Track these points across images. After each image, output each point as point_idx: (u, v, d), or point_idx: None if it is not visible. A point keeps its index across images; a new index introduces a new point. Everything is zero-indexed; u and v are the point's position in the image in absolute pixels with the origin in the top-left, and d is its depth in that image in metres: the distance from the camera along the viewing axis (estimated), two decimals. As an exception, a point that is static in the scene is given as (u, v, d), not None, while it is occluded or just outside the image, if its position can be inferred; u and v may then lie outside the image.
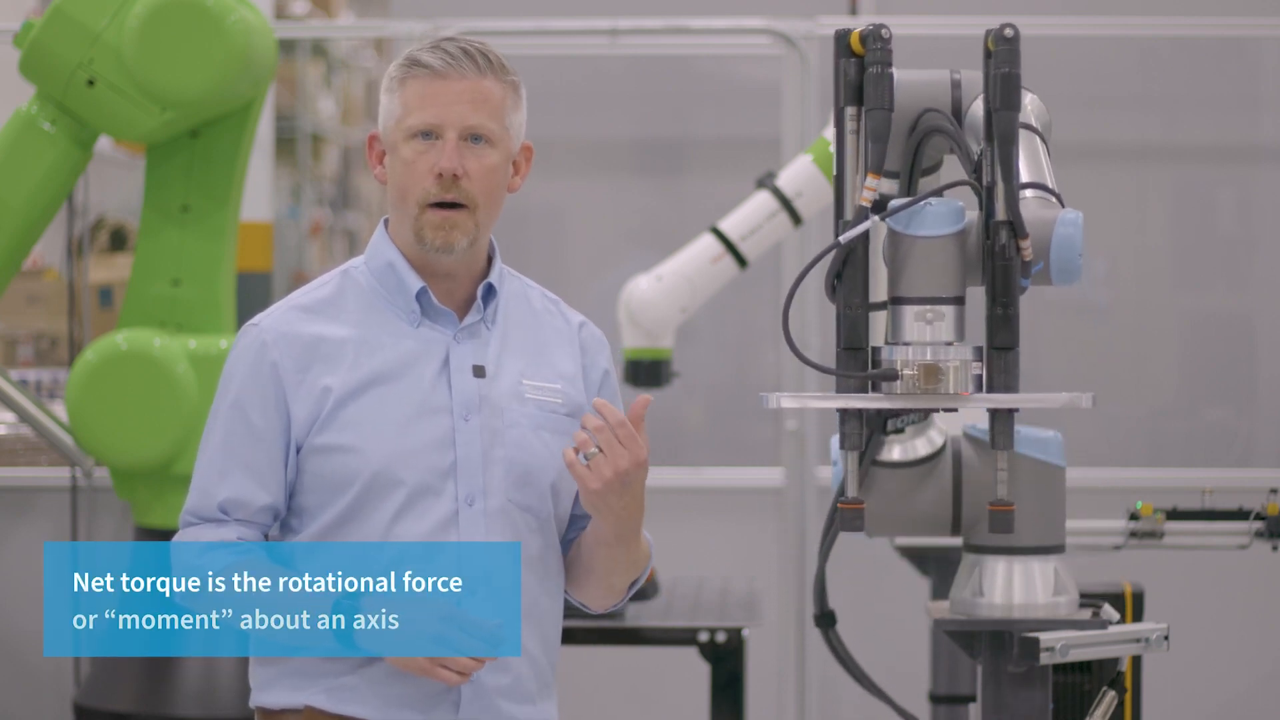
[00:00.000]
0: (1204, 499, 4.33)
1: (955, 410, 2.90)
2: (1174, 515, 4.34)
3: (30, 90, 5.39)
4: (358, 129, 11.24)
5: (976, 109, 3.04)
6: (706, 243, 5.02)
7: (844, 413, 2.91)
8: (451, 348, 3.04)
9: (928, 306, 2.86)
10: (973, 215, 2.92)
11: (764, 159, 6.01)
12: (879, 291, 2.94)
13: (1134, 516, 4.32)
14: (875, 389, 2.87)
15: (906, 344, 2.87)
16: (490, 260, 3.10)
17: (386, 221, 3.11)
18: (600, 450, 2.89)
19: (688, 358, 6.26)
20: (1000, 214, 2.86)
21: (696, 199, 6.82)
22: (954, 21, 6.43)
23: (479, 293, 3.06)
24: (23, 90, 5.42)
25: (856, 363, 2.89)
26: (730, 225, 5.02)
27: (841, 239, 2.87)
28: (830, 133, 5.08)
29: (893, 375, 2.85)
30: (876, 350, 2.90)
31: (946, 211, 2.88)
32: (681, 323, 5.06)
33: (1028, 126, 3.03)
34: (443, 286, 3.06)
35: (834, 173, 2.95)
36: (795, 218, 5.02)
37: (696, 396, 6.95)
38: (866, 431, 3.19)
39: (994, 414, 2.90)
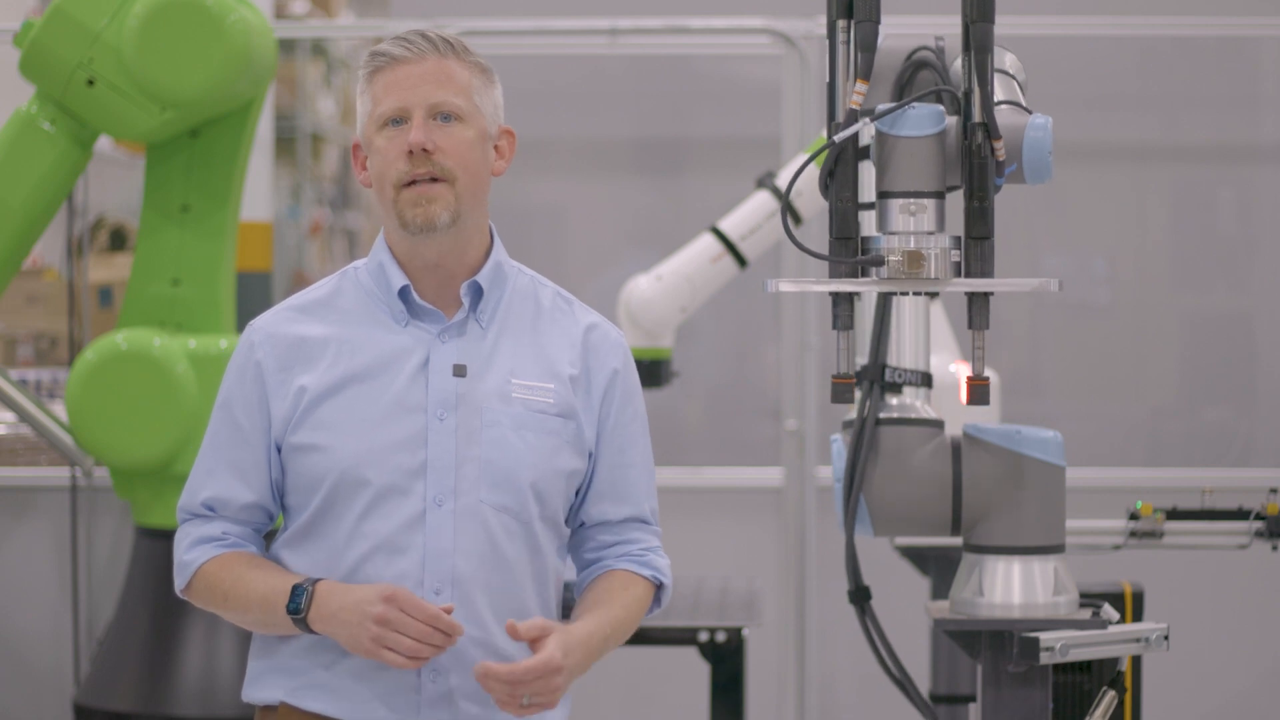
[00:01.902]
0: (1204, 499, 4.33)
1: (936, 295, 3.19)
2: (1174, 515, 4.34)
3: (30, 90, 5.39)
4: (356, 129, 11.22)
5: (956, 67, 3.26)
6: (706, 242, 5.02)
7: (836, 296, 3.12)
8: (433, 346, 3.03)
9: (911, 199, 3.08)
10: (952, 119, 3.14)
11: (764, 159, 6.00)
12: (868, 194, 3.16)
13: (1134, 516, 4.32)
14: (865, 275, 3.09)
15: (893, 233, 3.08)
16: (489, 255, 3.10)
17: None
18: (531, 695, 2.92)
19: (688, 358, 6.25)
20: (976, 117, 3.09)
21: (696, 199, 6.82)
22: (954, 21, 6.41)
23: (463, 291, 3.05)
24: (23, 90, 5.42)
25: (847, 250, 3.11)
26: (730, 225, 5.02)
27: (835, 138, 3.09)
28: (830, 132, 5.10)
29: (880, 261, 3.06)
30: (866, 240, 3.11)
31: (928, 114, 3.10)
32: (681, 323, 5.05)
33: (1004, 72, 3.32)
34: (433, 281, 3.05)
35: (827, 80, 3.17)
36: (795, 217, 5.01)
37: (696, 396, 6.95)
38: (866, 384, 3.47)
39: (971, 297, 3.11)
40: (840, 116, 3.13)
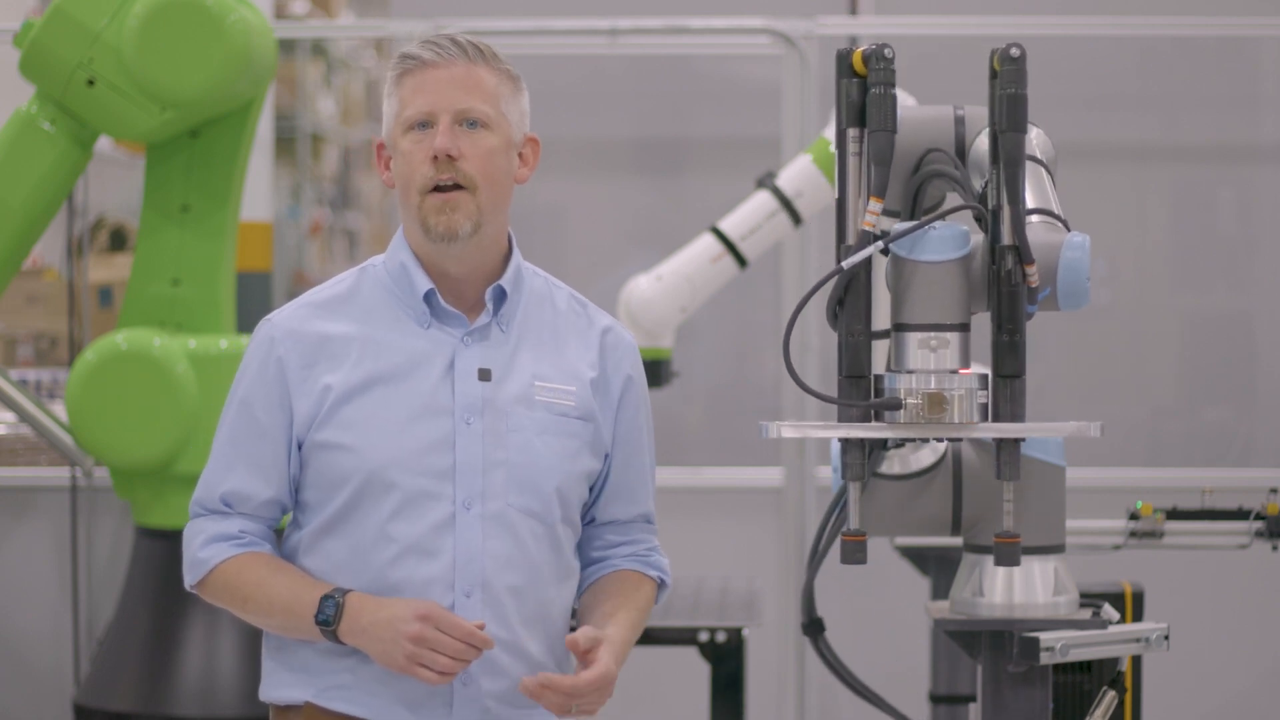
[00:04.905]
0: (1204, 499, 4.33)
1: (960, 440, 2.87)
2: (1174, 515, 4.34)
3: (30, 90, 5.39)
4: (358, 129, 11.24)
5: (980, 144, 3.01)
6: (706, 242, 5.02)
7: (846, 442, 2.85)
8: (458, 350, 3.03)
9: (931, 333, 2.81)
10: (977, 239, 2.87)
11: (764, 159, 6.00)
12: (880, 317, 2.88)
13: (1134, 516, 4.32)
14: (878, 418, 2.82)
15: (910, 372, 2.82)
16: (508, 259, 3.10)
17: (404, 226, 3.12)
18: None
19: (688, 358, 6.26)
20: (1006, 238, 2.81)
21: (696, 199, 6.82)
22: (954, 21, 6.42)
23: (487, 296, 3.06)
24: (23, 90, 5.42)
25: (859, 391, 2.84)
26: (730, 225, 5.02)
27: (845, 264, 2.81)
28: (830, 132, 5.09)
29: (896, 404, 2.81)
30: (879, 378, 2.84)
31: (951, 236, 2.83)
32: (681, 323, 5.05)
33: (1032, 158, 2.99)
34: (455, 284, 3.05)
35: (836, 197, 2.88)
36: (795, 217, 5.02)
37: (696, 396, 6.95)
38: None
39: (1000, 444, 2.86)
40: (851, 238, 2.85)
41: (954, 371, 2.80)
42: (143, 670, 5.45)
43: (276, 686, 3.06)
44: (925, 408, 2.78)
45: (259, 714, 3.17)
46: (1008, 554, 2.89)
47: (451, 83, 3.00)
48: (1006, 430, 2.82)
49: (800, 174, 5.02)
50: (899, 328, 2.83)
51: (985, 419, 2.82)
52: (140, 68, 5.22)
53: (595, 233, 7.02)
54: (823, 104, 6.19)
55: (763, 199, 5.01)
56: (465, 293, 3.06)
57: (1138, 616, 4.08)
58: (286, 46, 9.38)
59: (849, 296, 2.83)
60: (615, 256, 6.92)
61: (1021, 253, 2.80)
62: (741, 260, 5.02)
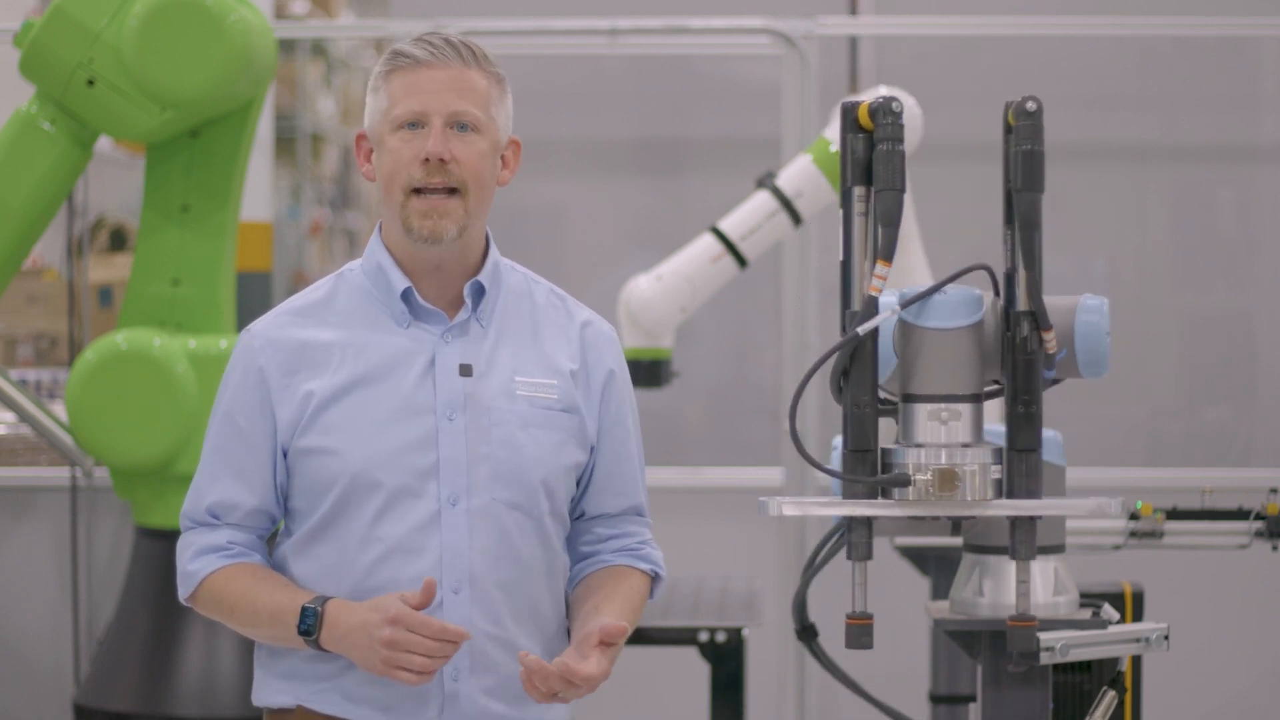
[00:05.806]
0: (1204, 499, 4.33)
1: (973, 518, 2.76)
2: (1174, 515, 4.34)
3: (30, 90, 5.39)
4: (357, 129, 11.22)
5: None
6: (706, 242, 5.02)
7: (852, 521, 2.71)
8: (438, 347, 3.03)
9: (942, 405, 2.69)
10: (989, 302, 2.77)
11: (764, 159, 6.00)
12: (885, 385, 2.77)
13: (1134, 516, 4.32)
14: (885, 494, 2.68)
15: (919, 446, 2.69)
16: (486, 255, 3.10)
17: (382, 224, 3.11)
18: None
19: (688, 358, 6.25)
20: (1021, 303, 2.69)
21: (696, 199, 6.82)
22: (954, 21, 6.42)
23: (465, 292, 3.05)
24: (23, 90, 5.42)
25: (865, 465, 2.69)
26: (730, 225, 5.02)
27: (860, 329, 2.65)
28: (830, 132, 5.10)
29: (905, 481, 2.67)
30: (886, 452, 2.70)
31: (961, 301, 2.71)
32: (681, 323, 5.05)
33: None
34: (434, 282, 3.05)
35: (841, 259, 2.73)
36: (795, 217, 5.02)
37: (696, 396, 6.95)
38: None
39: (1014, 522, 2.72)
40: (856, 304, 2.68)
41: (966, 445, 2.68)
42: (143, 670, 5.45)
43: (267, 692, 3.07)
44: (935, 484, 2.65)
45: (258, 715, 3.16)
46: (1023, 639, 2.77)
47: (445, 84, 2.99)
48: (1022, 509, 2.69)
49: (800, 174, 5.02)
50: (907, 398, 2.71)
51: (999, 495, 2.70)
52: (140, 68, 5.22)
53: (595, 233, 7.02)
54: (823, 104, 6.19)
55: (763, 199, 5.01)
56: (445, 288, 3.06)
57: (1138, 616, 4.08)
58: (286, 46, 9.37)
59: (854, 366, 2.68)
60: (615, 256, 6.92)
61: (1038, 318, 2.69)
62: (741, 260, 5.02)
